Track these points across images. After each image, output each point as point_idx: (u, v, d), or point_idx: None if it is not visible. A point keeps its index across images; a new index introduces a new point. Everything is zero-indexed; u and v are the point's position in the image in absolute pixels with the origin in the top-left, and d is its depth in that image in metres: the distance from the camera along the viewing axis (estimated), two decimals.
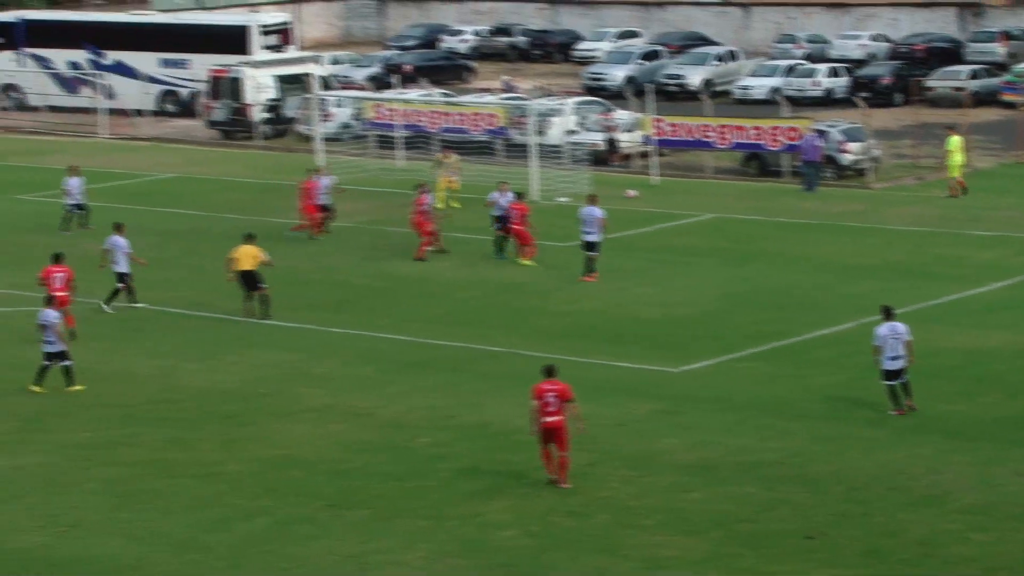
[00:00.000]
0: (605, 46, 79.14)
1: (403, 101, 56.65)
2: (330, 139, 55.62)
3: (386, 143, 55.07)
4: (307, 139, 57.05)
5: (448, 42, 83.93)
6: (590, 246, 37.50)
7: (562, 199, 47.80)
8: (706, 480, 24.51)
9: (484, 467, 25.25)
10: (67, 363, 29.37)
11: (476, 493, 24.12)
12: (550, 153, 51.54)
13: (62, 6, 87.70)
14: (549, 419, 23.85)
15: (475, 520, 23.11)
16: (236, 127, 62.11)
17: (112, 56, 68.46)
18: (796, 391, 28.91)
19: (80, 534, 22.82)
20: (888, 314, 27.36)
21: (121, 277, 35.30)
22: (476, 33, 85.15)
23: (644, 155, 52.50)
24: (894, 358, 26.99)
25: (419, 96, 59.63)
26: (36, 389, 29.25)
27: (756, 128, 50.99)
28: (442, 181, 46.32)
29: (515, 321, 34.14)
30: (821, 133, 50.11)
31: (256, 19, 69.52)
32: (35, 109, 68.29)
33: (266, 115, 61.64)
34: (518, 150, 52.25)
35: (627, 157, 53.88)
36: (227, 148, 60.30)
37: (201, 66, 64.95)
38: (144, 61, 67.32)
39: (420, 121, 55.29)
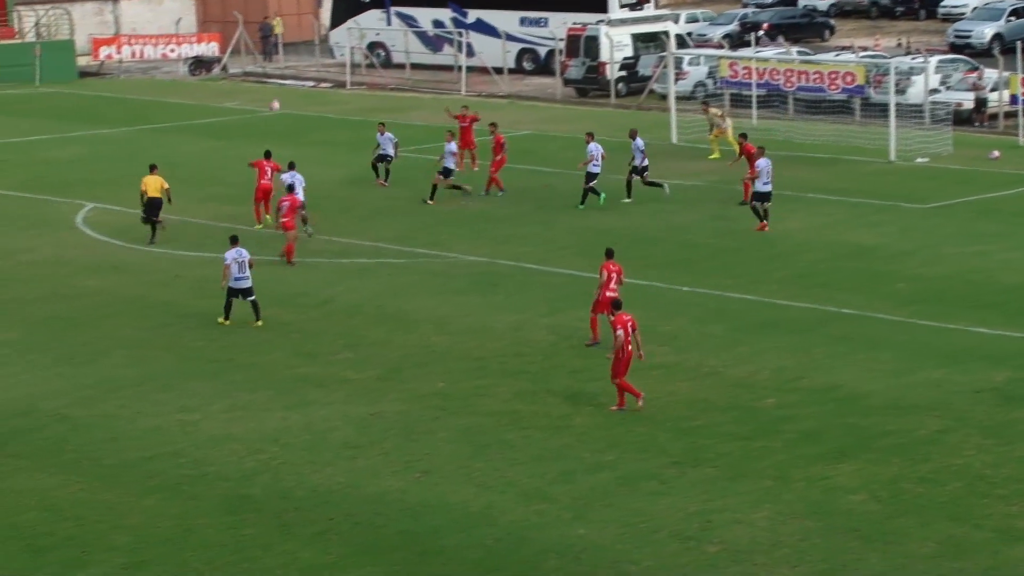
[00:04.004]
0: (973, 2, 76.55)
1: (759, 60, 56.05)
2: (684, 98, 55.51)
3: (741, 102, 54.63)
4: (662, 97, 57.11)
5: None
6: (766, 196, 38.33)
7: (921, 160, 46.60)
8: None
9: (831, 430, 24.89)
10: (254, 298, 31.35)
11: (822, 456, 23.80)
12: (910, 113, 50.26)
13: None
14: (611, 293, 28.80)
15: (822, 483, 22.81)
16: (591, 85, 62.62)
17: (474, 14, 69.85)
18: None
19: (434, 480, 23.46)
20: None
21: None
22: None
23: (1011, 115, 50.67)
24: None
25: (775, 54, 58.90)
26: (224, 322, 31.36)
27: None
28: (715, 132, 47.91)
29: (867, 284, 33.45)
30: None
31: None
32: (399, 67, 70.33)
33: (621, 73, 61.92)
34: (876, 109, 51.13)
35: (993, 117, 52.08)
36: (582, 106, 60.86)
37: (559, 24, 65.70)
38: (504, 19, 68.42)
39: (776, 80, 54.66)
